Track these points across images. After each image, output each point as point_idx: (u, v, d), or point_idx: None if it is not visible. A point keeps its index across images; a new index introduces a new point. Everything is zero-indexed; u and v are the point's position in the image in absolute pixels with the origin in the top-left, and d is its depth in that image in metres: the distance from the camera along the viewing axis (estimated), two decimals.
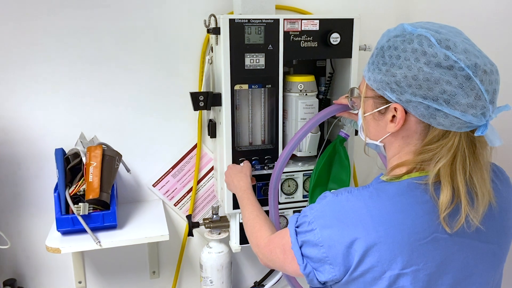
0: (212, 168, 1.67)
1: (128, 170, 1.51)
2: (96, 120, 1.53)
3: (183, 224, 1.69)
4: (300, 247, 0.86)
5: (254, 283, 1.81)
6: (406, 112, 0.83)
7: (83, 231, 1.33)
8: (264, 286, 1.80)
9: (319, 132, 1.48)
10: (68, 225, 1.32)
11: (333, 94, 1.62)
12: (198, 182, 1.66)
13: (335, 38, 1.42)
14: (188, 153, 1.63)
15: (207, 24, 1.38)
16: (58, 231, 1.33)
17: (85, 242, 1.32)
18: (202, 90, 1.52)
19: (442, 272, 0.81)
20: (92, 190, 1.30)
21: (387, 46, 0.84)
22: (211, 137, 1.55)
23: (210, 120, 1.56)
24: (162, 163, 1.62)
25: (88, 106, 1.51)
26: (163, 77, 1.56)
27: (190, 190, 1.67)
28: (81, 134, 1.46)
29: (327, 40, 1.41)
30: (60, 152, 1.37)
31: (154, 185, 1.63)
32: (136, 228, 1.42)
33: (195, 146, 1.63)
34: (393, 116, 0.85)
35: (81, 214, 1.29)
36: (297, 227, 0.88)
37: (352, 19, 1.44)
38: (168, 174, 1.63)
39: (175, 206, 1.67)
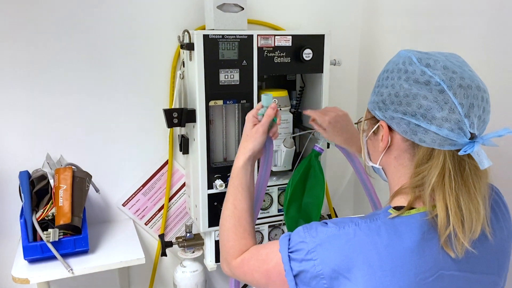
0: (184, 185, 1.64)
1: (97, 190, 1.45)
2: (60, 139, 1.45)
3: (155, 243, 1.64)
4: (295, 276, 0.81)
5: None
6: (390, 129, 0.85)
7: (52, 257, 1.26)
8: None
9: (294, 147, 1.48)
10: (36, 252, 1.24)
11: (304, 107, 1.63)
12: (170, 199, 1.62)
13: (307, 54, 1.43)
14: (159, 170, 1.59)
15: (181, 40, 1.35)
16: (26, 259, 1.25)
17: (55, 270, 1.24)
18: (174, 106, 1.48)
19: None
20: (63, 215, 1.23)
21: (382, 71, 0.88)
22: (183, 153, 1.52)
23: (183, 136, 1.52)
24: (132, 181, 1.57)
25: (52, 124, 1.43)
26: (131, 92, 1.51)
27: (161, 208, 1.62)
28: (47, 155, 1.38)
29: (300, 56, 1.43)
30: (25, 175, 1.29)
31: (123, 205, 1.57)
32: (109, 252, 1.36)
33: (166, 163, 1.59)
34: (382, 135, 0.87)
35: (51, 241, 1.22)
36: (291, 252, 0.82)
37: (323, 35, 1.46)
38: (138, 192, 1.58)
39: (146, 225, 1.62)
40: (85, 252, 1.32)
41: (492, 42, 1.24)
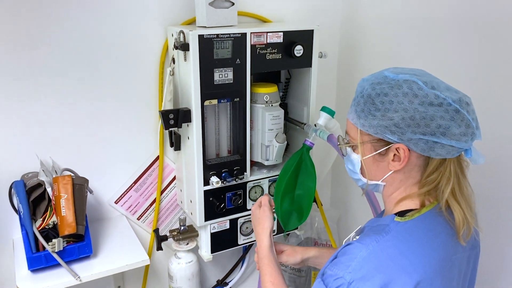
0: (174, 178, 1.65)
1: (91, 192, 1.43)
2: (49, 140, 1.40)
3: (147, 236, 1.66)
4: None
5: (216, 281, 1.86)
6: (409, 149, 0.92)
7: (55, 265, 1.26)
8: (227, 283, 1.86)
9: (286, 142, 1.53)
10: (40, 263, 1.23)
11: (289, 98, 1.67)
12: (161, 193, 1.63)
13: (298, 50, 1.46)
14: (150, 166, 1.58)
15: (176, 41, 1.32)
16: (30, 270, 1.24)
17: (61, 278, 1.24)
18: (164, 105, 1.46)
19: (454, 285, 0.96)
20: (67, 225, 1.22)
21: (375, 94, 0.92)
22: (175, 150, 1.52)
23: (174, 133, 1.52)
24: (123, 178, 1.56)
25: (39, 125, 1.38)
26: (119, 89, 1.47)
27: (153, 202, 1.63)
28: (41, 162, 1.33)
29: (291, 52, 1.44)
30: (21, 185, 1.25)
31: (116, 202, 1.56)
32: (112, 255, 1.36)
33: (157, 159, 1.59)
34: (394, 155, 0.94)
35: (56, 251, 1.21)
36: None
37: (312, 30, 1.48)
38: (130, 189, 1.57)
39: (138, 220, 1.63)
40: (88, 256, 1.32)
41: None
